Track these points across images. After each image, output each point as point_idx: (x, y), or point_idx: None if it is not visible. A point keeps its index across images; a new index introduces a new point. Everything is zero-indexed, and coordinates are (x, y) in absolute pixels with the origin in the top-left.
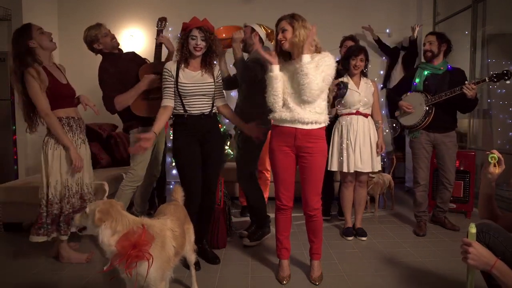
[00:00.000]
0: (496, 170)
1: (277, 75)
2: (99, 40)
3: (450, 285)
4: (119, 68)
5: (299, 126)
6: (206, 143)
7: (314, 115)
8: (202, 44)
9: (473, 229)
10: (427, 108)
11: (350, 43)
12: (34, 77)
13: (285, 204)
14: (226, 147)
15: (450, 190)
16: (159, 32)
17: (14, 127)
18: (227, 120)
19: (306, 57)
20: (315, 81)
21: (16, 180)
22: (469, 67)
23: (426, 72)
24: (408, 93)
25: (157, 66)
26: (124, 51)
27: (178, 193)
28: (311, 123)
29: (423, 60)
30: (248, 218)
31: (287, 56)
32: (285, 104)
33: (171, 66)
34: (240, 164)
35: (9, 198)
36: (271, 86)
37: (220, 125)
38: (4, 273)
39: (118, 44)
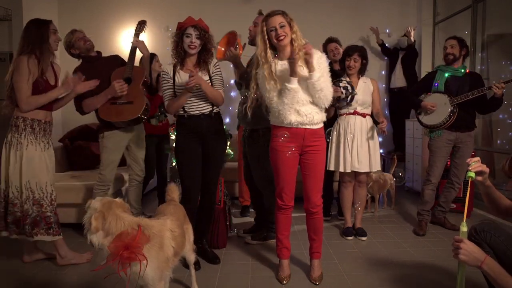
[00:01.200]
0: (481, 178)
1: (298, 88)
2: (74, 45)
3: (450, 285)
4: (90, 72)
5: (308, 126)
6: (207, 143)
7: (319, 115)
8: (196, 42)
9: (464, 228)
10: (452, 108)
11: (333, 46)
12: (28, 65)
13: (287, 203)
14: (227, 147)
15: (457, 190)
16: (135, 35)
17: None
18: (228, 120)
19: (316, 74)
20: (328, 90)
21: None
22: (469, 67)
23: (447, 74)
24: (429, 94)
25: (128, 71)
26: (124, 51)
27: (174, 192)
28: (319, 123)
29: (443, 62)
30: (248, 218)
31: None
32: (289, 106)
33: (168, 68)
34: (257, 166)
35: None
36: (288, 97)
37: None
38: (4, 273)
39: (92, 46)
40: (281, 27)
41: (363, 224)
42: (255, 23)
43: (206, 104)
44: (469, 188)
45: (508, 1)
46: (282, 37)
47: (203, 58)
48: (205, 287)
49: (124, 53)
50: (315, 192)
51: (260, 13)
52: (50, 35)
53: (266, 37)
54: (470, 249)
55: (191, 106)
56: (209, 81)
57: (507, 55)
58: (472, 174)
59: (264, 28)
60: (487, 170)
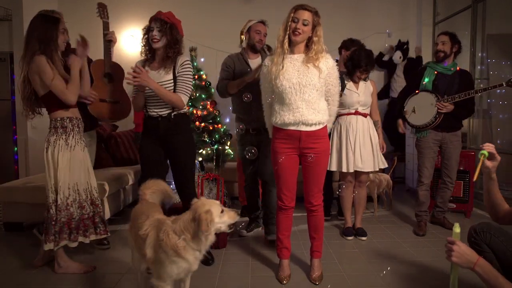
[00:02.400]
0: (490, 164)
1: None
2: None
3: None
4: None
5: (303, 128)
6: (168, 145)
7: (317, 115)
8: (158, 34)
9: (457, 229)
10: (436, 110)
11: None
12: (48, 63)
13: (287, 204)
14: (226, 147)
15: (451, 189)
16: (106, 25)
17: (14, 127)
18: (228, 120)
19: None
20: (335, 106)
21: (16, 180)
22: (469, 67)
23: (435, 72)
24: (417, 92)
25: (108, 67)
26: (126, 51)
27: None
28: (315, 124)
29: (433, 59)
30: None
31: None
32: (286, 104)
33: (139, 64)
34: (267, 163)
35: (9, 198)
36: (280, 95)
37: (220, 125)
38: (4, 273)
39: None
40: (304, 24)
41: (363, 224)
42: (259, 32)
43: (165, 106)
44: (478, 167)
45: (508, 1)
46: (297, 33)
47: (167, 53)
48: (205, 287)
49: (125, 54)
50: (315, 192)
51: (261, 21)
52: (58, 35)
53: (289, 23)
54: (462, 251)
55: (149, 106)
56: (171, 81)
57: (507, 55)
58: (485, 152)
59: (292, 15)
60: (498, 157)
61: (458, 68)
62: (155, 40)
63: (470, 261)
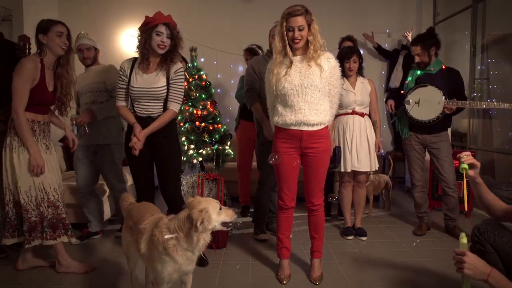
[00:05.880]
0: (472, 173)
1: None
2: None
3: (450, 285)
4: None
5: (305, 128)
6: (155, 147)
7: (318, 116)
8: (167, 42)
9: (464, 239)
10: (443, 109)
11: (348, 43)
12: (30, 68)
13: (287, 204)
14: (226, 147)
15: (452, 195)
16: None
17: None
18: (228, 120)
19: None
20: (336, 104)
21: None
22: (469, 67)
23: (419, 72)
24: (428, 85)
25: None
26: (126, 51)
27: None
28: (317, 124)
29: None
30: (248, 218)
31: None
32: (288, 105)
33: (126, 65)
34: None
35: None
36: (284, 96)
37: (220, 125)
38: (4, 272)
39: None
40: (300, 30)
41: (363, 224)
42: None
43: (156, 107)
44: (464, 180)
45: (508, 1)
46: (297, 41)
47: (170, 56)
48: (205, 287)
49: (126, 53)
50: (316, 191)
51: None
52: (53, 36)
53: (285, 33)
54: (474, 263)
55: (138, 106)
56: (165, 87)
57: (507, 55)
58: (465, 166)
59: (284, 24)
60: (477, 163)
61: (444, 67)
62: (163, 47)
63: (483, 272)
